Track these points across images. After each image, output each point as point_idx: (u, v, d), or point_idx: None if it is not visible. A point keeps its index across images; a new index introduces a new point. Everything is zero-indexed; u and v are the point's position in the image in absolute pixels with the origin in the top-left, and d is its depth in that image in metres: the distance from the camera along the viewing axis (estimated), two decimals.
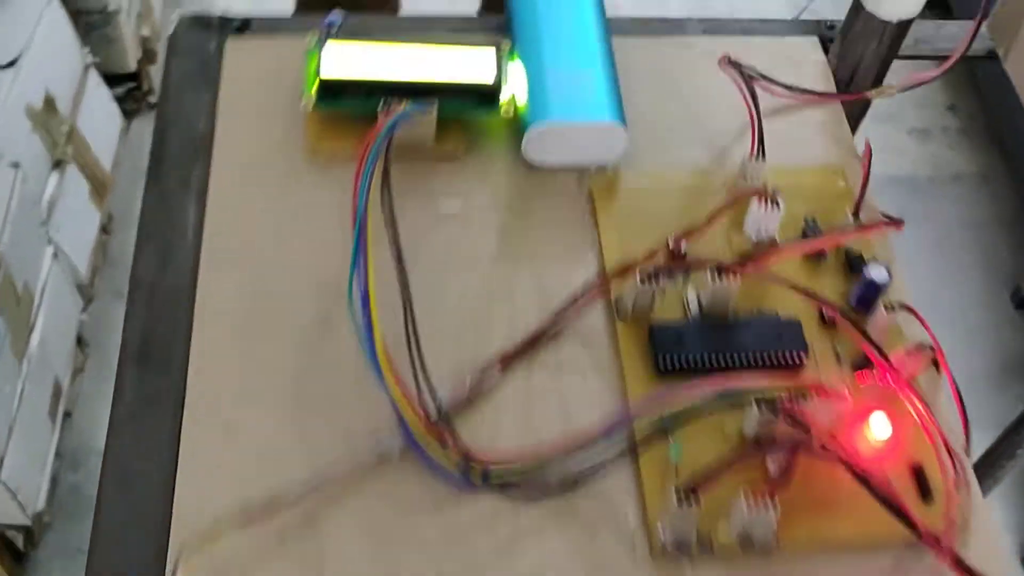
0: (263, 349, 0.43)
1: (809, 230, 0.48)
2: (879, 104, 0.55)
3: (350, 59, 0.49)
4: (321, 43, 0.49)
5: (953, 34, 0.58)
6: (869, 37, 0.52)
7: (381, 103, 0.47)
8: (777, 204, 0.46)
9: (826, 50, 0.56)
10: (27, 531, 0.98)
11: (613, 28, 0.52)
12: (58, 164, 1.05)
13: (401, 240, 0.44)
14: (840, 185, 0.50)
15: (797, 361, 0.43)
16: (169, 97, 0.50)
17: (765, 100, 0.52)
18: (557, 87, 0.48)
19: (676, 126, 0.52)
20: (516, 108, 0.49)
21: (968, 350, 1.25)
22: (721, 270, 0.43)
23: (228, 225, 0.46)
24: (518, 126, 0.49)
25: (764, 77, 0.52)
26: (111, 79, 1.21)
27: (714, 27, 0.57)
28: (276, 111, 0.50)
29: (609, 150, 0.49)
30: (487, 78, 0.49)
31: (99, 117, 1.17)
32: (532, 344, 0.44)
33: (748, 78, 0.50)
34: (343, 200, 0.42)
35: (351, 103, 0.48)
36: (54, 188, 1.04)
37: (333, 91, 0.48)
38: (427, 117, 0.48)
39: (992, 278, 1.35)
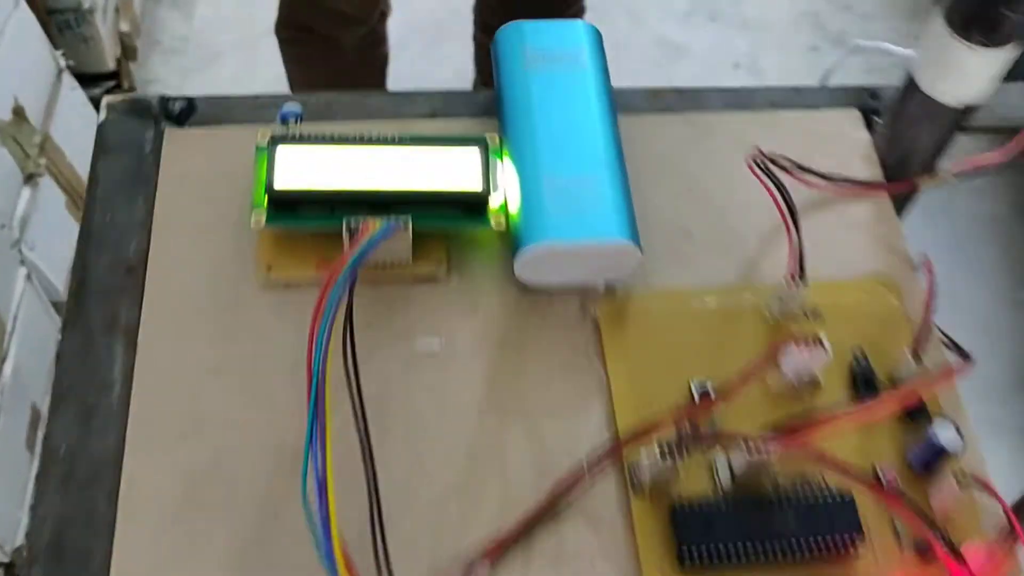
0: (202, 544, 0.35)
1: (858, 367, 0.40)
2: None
3: (307, 165, 0.41)
4: (273, 145, 0.41)
5: (1017, 103, 0.50)
6: (926, 121, 0.43)
7: (345, 220, 0.39)
8: (823, 346, 0.38)
9: (868, 122, 0.48)
10: (7, 568, 0.91)
11: (619, 101, 0.44)
12: (30, 178, 0.98)
13: (370, 391, 0.36)
14: (893, 305, 0.42)
15: (850, 547, 0.36)
16: (94, 209, 0.42)
17: (801, 192, 0.44)
18: (555, 197, 0.40)
19: (697, 229, 0.44)
20: (508, 217, 0.41)
21: (988, 349, 1.17)
22: (756, 443, 0.35)
23: (163, 376, 0.38)
24: (510, 239, 0.41)
25: (800, 167, 0.44)
26: (89, 79, 1.15)
27: (738, 100, 0.49)
28: (224, 224, 0.42)
29: (619, 269, 0.41)
30: (472, 184, 0.41)
31: (75, 123, 1.09)
32: (528, 528, 0.36)
33: (780, 176, 0.42)
34: (301, 340, 0.35)
35: (309, 220, 0.40)
36: (27, 204, 0.97)
37: (287, 205, 0.40)
38: (401, 235, 0.40)
39: (1011, 273, 1.27)
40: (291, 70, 0.96)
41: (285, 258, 0.41)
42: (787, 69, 1.35)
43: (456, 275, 0.42)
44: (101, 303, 0.40)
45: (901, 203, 0.47)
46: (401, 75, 1.10)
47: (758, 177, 0.41)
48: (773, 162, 0.42)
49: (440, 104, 0.47)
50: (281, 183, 0.40)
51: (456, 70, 1.18)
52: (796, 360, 0.38)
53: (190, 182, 0.43)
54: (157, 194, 0.43)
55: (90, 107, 1.14)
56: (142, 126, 0.45)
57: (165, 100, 0.46)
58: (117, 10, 1.18)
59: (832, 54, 1.36)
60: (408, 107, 0.47)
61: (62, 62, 1.06)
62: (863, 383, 0.40)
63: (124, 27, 1.20)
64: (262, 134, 0.42)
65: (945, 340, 0.41)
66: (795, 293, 0.40)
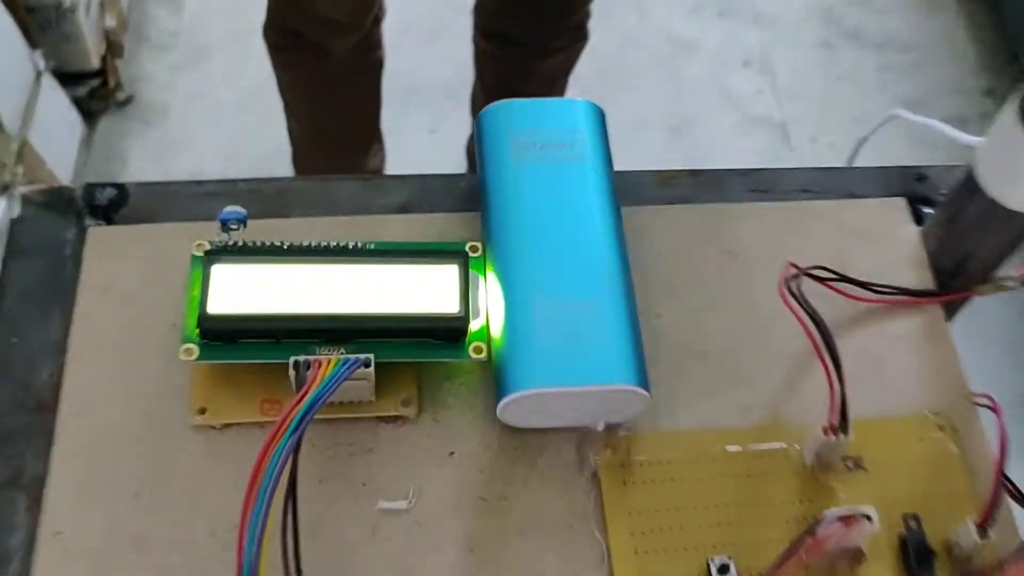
0: None
1: (910, 536, 0.33)
2: (910, 91, 0.41)
3: (248, 286, 0.34)
4: (208, 262, 0.34)
5: None
6: (991, 226, 0.37)
7: (292, 359, 0.32)
8: (869, 520, 0.31)
9: (915, 213, 0.41)
10: None
11: (623, 187, 0.37)
12: (5, 189, 0.91)
13: (319, 567, 0.30)
14: (951, 452, 0.35)
15: None
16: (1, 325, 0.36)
17: (838, 304, 0.37)
18: (548, 326, 0.33)
19: (714, 351, 0.37)
20: (490, 345, 0.34)
21: (1011, 367, 1.11)
22: None
23: (73, 547, 0.32)
24: (493, 372, 0.34)
25: (840, 278, 0.37)
26: (72, 78, 1.08)
27: (763, 184, 0.42)
28: (154, 348, 0.35)
29: (622, 412, 0.34)
30: (448, 307, 0.34)
31: (55, 127, 1.04)
32: None
33: (817, 290, 0.35)
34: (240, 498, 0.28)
35: (250, 353, 0.34)
36: (2, 215, 0.90)
37: (223, 336, 0.33)
38: (361, 375, 0.33)
39: None
40: (280, 76, 0.89)
41: (222, 397, 0.34)
42: (799, 67, 1.27)
43: (428, 414, 0.35)
44: (1, 451, 0.33)
45: (952, 310, 0.41)
46: (399, 72, 1.03)
47: (792, 309, 0.34)
48: (810, 275, 0.35)
49: (415, 193, 0.40)
50: (216, 307, 0.33)
51: (456, 67, 1.10)
52: (837, 533, 0.32)
53: (115, 295, 0.36)
54: (75, 310, 0.36)
55: (73, 110, 1.09)
56: (62, 223, 0.38)
57: (91, 189, 0.39)
58: (102, 5, 1.11)
59: (848, 52, 1.28)
60: (377, 197, 0.40)
61: (41, 63, 0.99)
62: (916, 556, 0.33)
63: (110, 23, 1.13)
64: (197, 244, 0.35)
65: (1014, 491, 0.35)
66: (835, 444, 0.33)
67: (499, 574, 0.32)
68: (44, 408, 0.34)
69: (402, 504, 0.33)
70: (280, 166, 1.02)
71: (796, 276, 0.35)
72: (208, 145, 1.13)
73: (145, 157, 1.12)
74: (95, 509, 0.32)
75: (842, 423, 0.33)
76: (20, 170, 0.93)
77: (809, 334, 0.33)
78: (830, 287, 0.37)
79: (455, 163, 1.08)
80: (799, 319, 0.34)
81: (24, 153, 0.94)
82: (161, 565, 0.32)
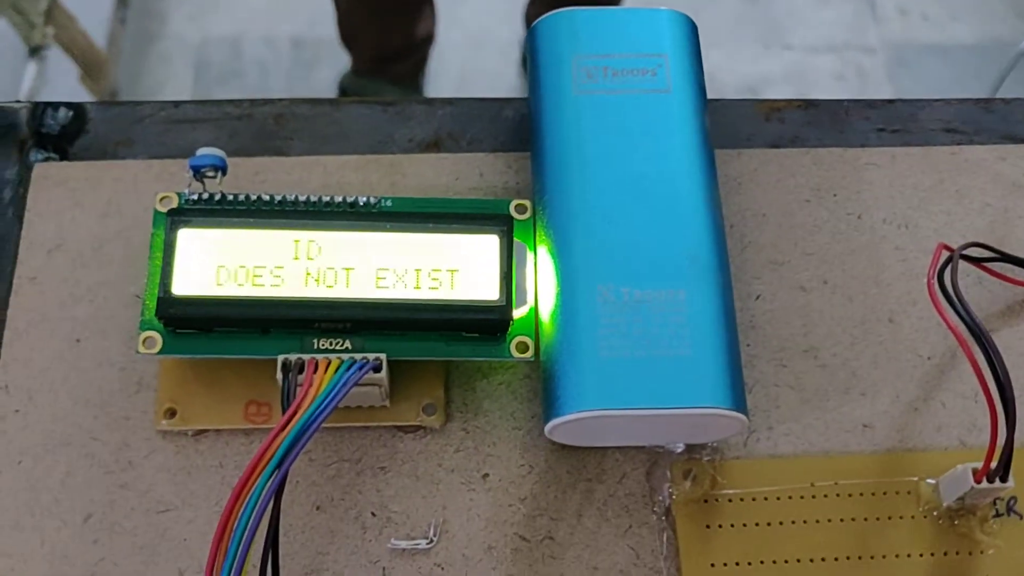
0: None
1: None
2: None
3: (225, 258, 0.26)
4: (174, 225, 0.26)
5: None
6: None
7: (282, 359, 0.25)
8: None
9: None
10: None
11: (713, 118, 0.28)
12: (36, 51, 0.85)
13: None
14: None
15: None
16: None
17: (996, 288, 0.29)
18: (615, 324, 0.25)
19: (827, 349, 0.29)
20: (539, 341, 0.26)
21: None
22: None
23: (5, 566, 0.25)
24: (540, 376, 0.26)
25: (1002, 256, 0.28)
26: None
27: (896, 119, 0.32)
28: (111, 331, 0.28)
29: (709, 434, 0.27)
30: (486, 292, 0.26)
31: None
32: None
33: (971, 274, 0.26)
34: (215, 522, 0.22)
35: (227, 347, 0.26)
36: (33, 80, 0.85)
37: (192, 323, 0.26)
38: (371, 380, 0.25)
39: None
40: None
41: (196, 397, 0.27)
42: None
43: (457, 423, 0.27)
44: None
45: None
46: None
47: (943, 315, 0.25)
48: (966, 257, 0.27)
49: (449, 123, 0.32)
50: (184, 288, 0.26)
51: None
52: None
53: (66, 254, 0.29)
54: (15, 274, 0.28)
55: None
56: (1, 156, 0.30)
57: (40, 110, 0.31)
58: None
59: None
60: (400, 128, 0.31)
61: None
62: None
63: None
64: (162, 198, 0.27)
65: None
66: (985, 491, 0.25)
67: None
68: None
69: (421, 542, 0.26)
70: (327, 30, 0.92)
71: (950, 262, 0.26)
72: (251, 6, 1.03)
73: (185, 17, 1.02)
74: (37, 537, 0.26)
75: (1003, 473, 0.25)
76: (50, 31, 0.84)
77: (967, 352, 0.24)
78: (987, 270, 0.28)
79: (518, 29, 0.97)
80: (954, 328, 0.25)
81: (53, 13, 0.85)
82: None
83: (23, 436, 0.27)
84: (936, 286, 0.26)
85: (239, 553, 0.22)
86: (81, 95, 0.89)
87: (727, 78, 1.02)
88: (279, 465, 0.23)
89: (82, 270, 0.29)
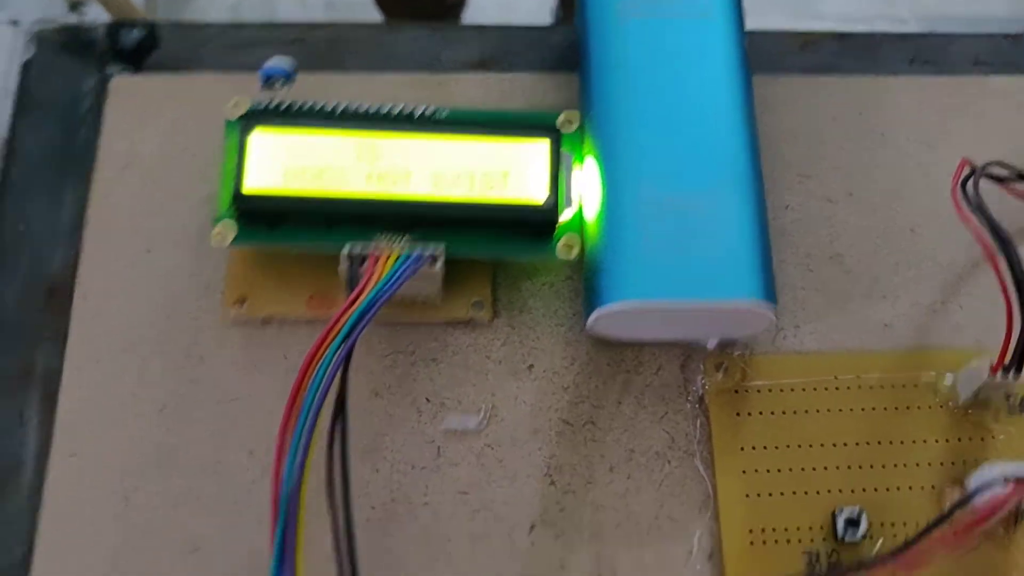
0: None
1: None
2: None
3: (294, 159, 0.28)
4: (246, 128, 0.28)
5: None
6: None
7: (348, 247, 0.27)
8: None
9: None
10: None
11: (752, 48, 0.30)
12: (75, 7, 0.87)
13: (373, 497, 0.26)
14: None
15: None
16: (5, 204, 0.30)
17: (1012, 207, 0.30)
18: (656, 224, 0.27)
19: (853, 256, 0.30)
20: (583, 242, 0.28)
21: None
22: None
23: (91, 454, 0.27)
24: (585, 274, 0.28)
25: (1021, 175, 0.30)
26: None
27: (926, 51, 0.34)
28: (185, 229, 0.30)
29: (741, 330, 0.29)
30: (535, 194, 0.28)
31: None
32: None
33: (994, 193, 0.28)
34: (281, 403, 0.24)
35: (295, 239, 0.28)
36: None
37: (262, 217, 0.28)
38: (428, 271, 0.27)
39: None
40: None
41: (263, 288, 0.29)
42: None
43: (504, 319, 0.29)
44: (10, 344, 0.29)
45: None
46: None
47: (965, 219, 0.27)
48: (988, 175, 0.28)
49: (496, 46, 0.33)
50: (255, 184, 0.28)
51: None
52: (1003, 502, 0.26)
53: (140, 161, 0.31)
54: (93, 184, 0.31)
55: None
56: (81, 69, 0.32)
57: (116, 28, 0.33)
58: None
59: None
60: (448, 49, 0.33)
61: None
62: None
63: None
64: (234, 104, 0.29)
65: None
66: (1002, 383, 0.27)
67: (582, 512, 0.27)
68: (57, 297, 0.29)
69: (471, 424, 0.28)
70: None
71: (972, 175, 0.28)
72: None
73: None
74: (115, 423, 0.28)
75: (1018, 367, 0.27)
76: None
77: (988, 250, 0.26)
78: (1008, 189, 0.30)
79: None
80: (976, 232, 0.27)
81: None
82: (191, 490, 0.27)
83: (101, 338, 0.29)
84: (959, 192, 0.27)
85: (309, 418, 0.24)
86: None
87: None
88: (347, 337, 0.25)
89: (155, 177, 0.31)
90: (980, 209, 0.27)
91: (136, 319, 0.29)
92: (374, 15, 0.91)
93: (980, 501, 0.25)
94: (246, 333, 0.29)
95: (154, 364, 0.28)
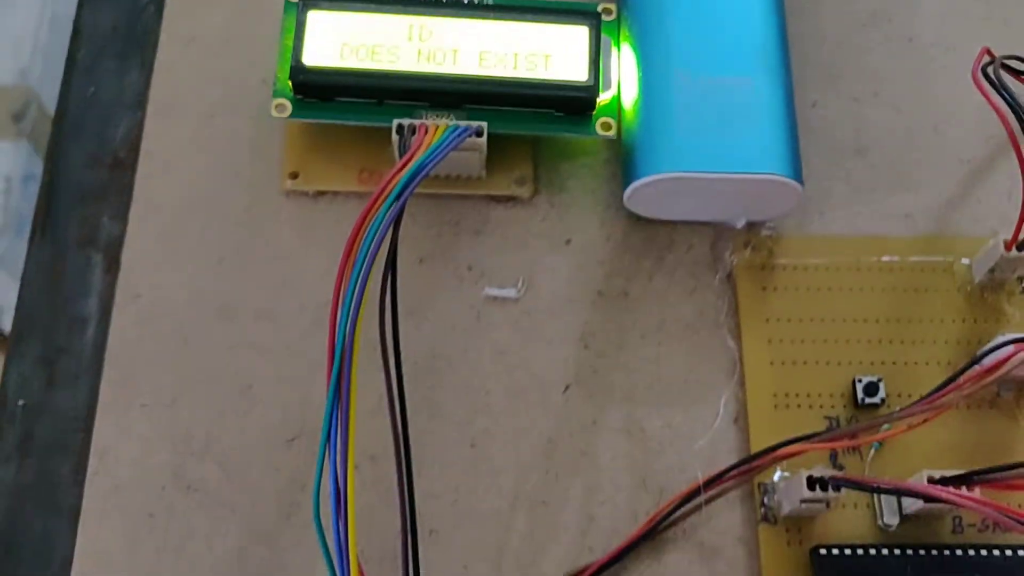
0: (188, 543, 0.27)
1: None
2: None
3: (349, 37, 0.30)
4: (305, 6, 0.30)
5: None
6: None
7: (396, 121, 0.28)
8: None
9: None
10: None
11: None
12: None
13: (417, 353, 0.28)
14: None
15: None
16: (72, 78, 0.32)
17: None
18: (690, 104, 0.28)
19: (876, 146, 0.32)
20: (621, 122, 0.30)
21: None
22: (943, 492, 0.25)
23: (152, 311, 0.29)
24: (621, 152, 0.30)
25: None
26: None
27: None
28: (242, 107, 0.32)
29: (769, 208, 0.30)
30: (576, 75, 0.30)
31: None
32: (621, 557, 0.27)
33: (1016, 85, 0.30)
34: (334, 270, 0.25)
35: (349, 113, 0.30)
36: None
37: (320, 91, 0.30)
38: (473, 144, 0.29)
39: None
40: None
41: (316, 162, 0.31)
42: None
43: (544, 196, 0.31)
44: (76, 208, 0.31)
45: None
46: None
47: (986, 95, 0.28)
48: (1006, 67, 0.30)
49: None
50: (312, 59, 0.29)
51: None
52: (1010, 361, 0.27)
53: (201, 43, 0.33)
54: (156, 61, 0.32)
55: None
56: None
57: None
58: None
59: None
60: None
61: None
62: None
63: None
64: None
65: None
66: (1015, 260, 0.29)
67: (614, 375, 0.29)
68: (122, 166, 0.31)
69: (511, 292, 0.30)
70: None
71: (992, 63, 0.29)
72: None
73: None
74: (176, 272, 0.30)
75: None
76: None
77: (1008, 128, 0.28)
78: None
79: None
80: (994, 106, 0.28)
81: None
82: (246, 335, 0.29)
83: (164, 194, 0.31)
84: (980, 75, 0.29)
85: (363, 271, 0.26)
86: None
87: None
88: (397, 197, 0.27)
89: (215, 57, 0.32)
90: (1003, 88, 0.28)
91: (197, 180, 0.31)
92: None
93: (988, 360, 0.26)
94: (300, 203, 0.31)
95: (213, 222, 0.30)
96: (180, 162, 0.31)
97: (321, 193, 0.31)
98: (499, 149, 0.30)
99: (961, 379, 0.27)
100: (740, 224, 0.30)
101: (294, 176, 0.31)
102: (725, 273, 0.30)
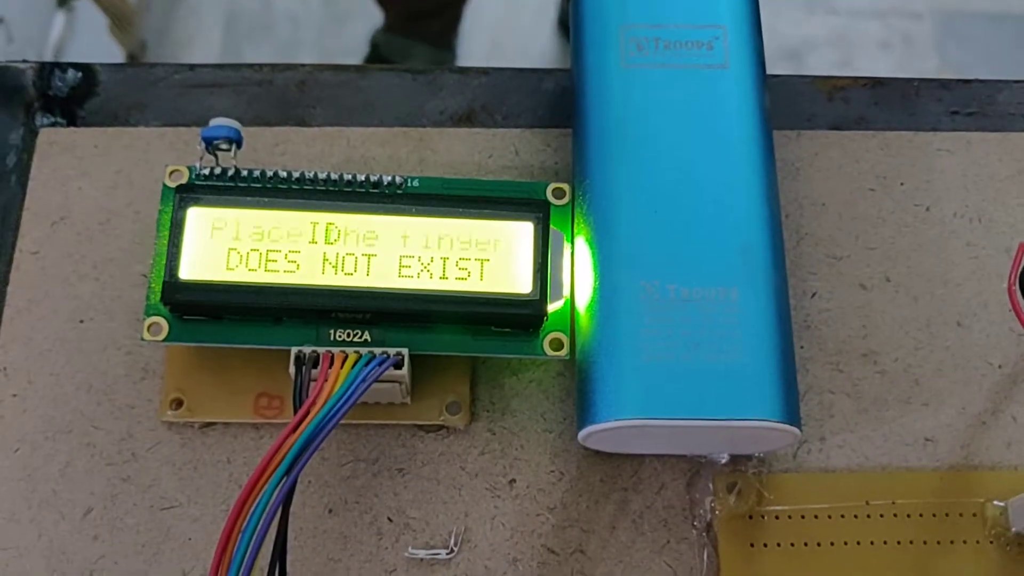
0: None
1: None
2: None
3: (237, 242, 0.24)
4: (183, 203, 0.24)
5: None
6: None
7: (295, 352, 0.23)
8: None
9: None
10: None
11: (772, 97, 0.26)
12: (64, 2, 0.83)
13: None
14: None
15: None
16: None
17: None
18: (659, 331, 0.23)
19: (888, 353, 0.26)
20: (574, 338, 0.24)
21: None
22: None
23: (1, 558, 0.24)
24: (575, 376, 0.24)
25: None
26: None
27: (972, 101, 0.29)
28: (117, 312, 0.26)
29: (758, 446, 0.24)
30: (517, 285, 0.24)
31: None
32: None
33: None
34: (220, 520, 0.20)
35: (237, 335, 0.24)
36: (61, 32, 0.83)
37: (200, 310, 0.24)
38: (391, 377, 0.23)
39: None
40: None
41: (205, 387, 0.25)
42: None
43: (482, 423, 0.25)
44: None
45: None
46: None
47: (1021, 319, 0.23)
48: None
49: (483, 95, 0.29)
50: (192, 272, 0.24)
51: None
52: None
53: (71, 227, 0.27)
54: (17, 247, 0.27)
55: None
56: (6, 118, 0.28)
57: (48, 71, 0.29)
58: None
59: None
60: (431, 99, 0.29)
61: None
62: None
63: None
64: (172, 172, 0.25)
65: None
66: None
67: None
68: None
69: (441, 552, 0.24)
70: None
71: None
72: None
73: None
74: (33, 532, 0.24)
75: None
76: None
77: None
78: None
79: None
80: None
81: None
82: None
83: (21, 422, 0.25)
84: (1018, 292, 0.23)
85: (245, 563, 0.21)
86: (110, 48, 0.88)
87: (768, 42, 0.98)
88: (288, 471, 0.21)
89: (88, 244, 0.27)
90: None
91: (62, 402, 0.25)
92: (374, 11, 0.87)
93: None
94: (185, 437, 0.25)
95: (81, 458, 0.25)
96: (42, 381, 0.25)
97: (210, 424, 0.25)
98: (428, 366, 0.25)
99: None
100: (723, 460, 0.25)
101: (177, 405, 0.25)
102: (704, 523, 0.25)
